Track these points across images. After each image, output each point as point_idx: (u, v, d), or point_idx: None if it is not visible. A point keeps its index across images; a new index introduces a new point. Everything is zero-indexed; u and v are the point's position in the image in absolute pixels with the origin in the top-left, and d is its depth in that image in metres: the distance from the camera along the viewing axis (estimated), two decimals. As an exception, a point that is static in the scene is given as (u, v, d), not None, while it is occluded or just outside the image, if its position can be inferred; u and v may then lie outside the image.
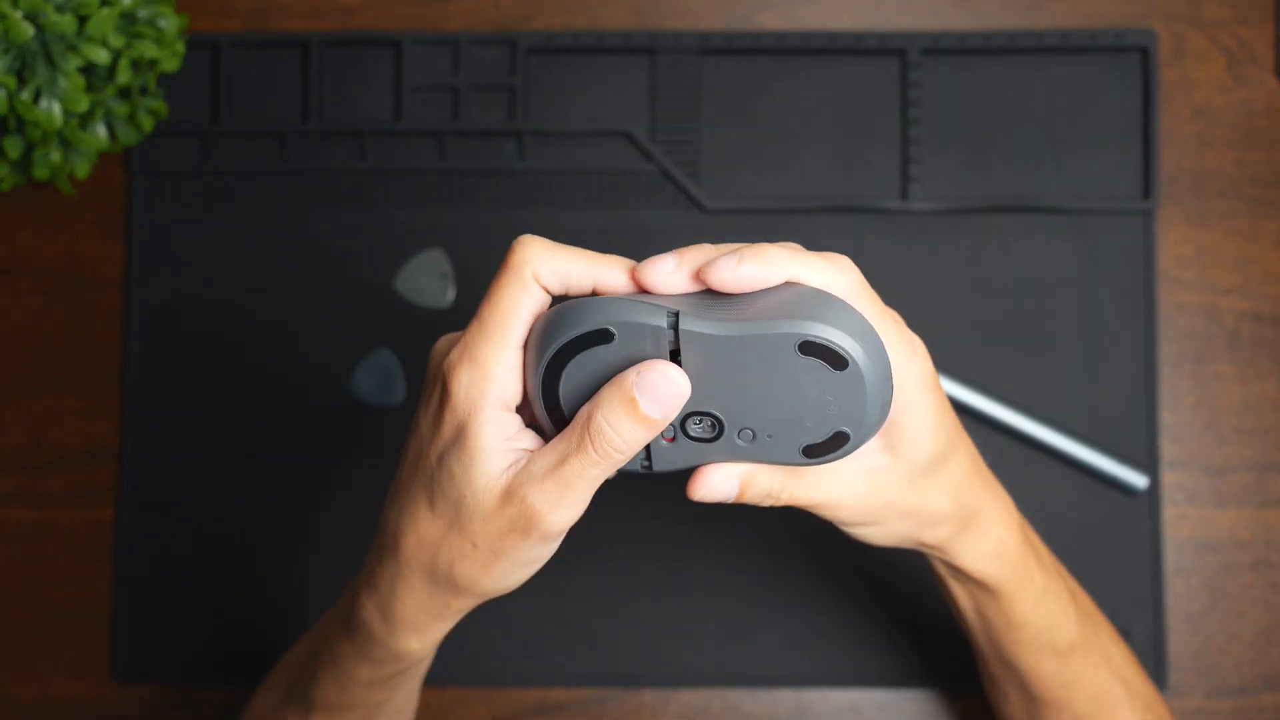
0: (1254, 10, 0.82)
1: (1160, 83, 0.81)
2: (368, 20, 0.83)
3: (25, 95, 0.72)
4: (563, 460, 0.47)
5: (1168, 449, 0.80)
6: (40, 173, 0.76)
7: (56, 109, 0.73)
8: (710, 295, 0.48)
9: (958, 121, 0.81)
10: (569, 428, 0.48)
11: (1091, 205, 0.80)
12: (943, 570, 0.60)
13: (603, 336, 0.47)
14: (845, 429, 0.48)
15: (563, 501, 0.48)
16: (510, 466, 0.48)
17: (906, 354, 0.50)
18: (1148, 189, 0.80)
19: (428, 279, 0.81)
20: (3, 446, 0.81)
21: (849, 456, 0.51)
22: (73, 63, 0.72)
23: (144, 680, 0.79)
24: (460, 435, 0.48)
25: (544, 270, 0.48)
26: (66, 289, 0.82)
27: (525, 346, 0.48)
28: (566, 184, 0.81)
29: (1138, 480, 0.78)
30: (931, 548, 0.57)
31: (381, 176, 0.81)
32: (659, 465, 0.50)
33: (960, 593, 0.60)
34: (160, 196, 0.82)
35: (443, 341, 0.51)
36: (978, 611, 0.61)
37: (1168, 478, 0.80)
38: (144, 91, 0.78)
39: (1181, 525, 0.79)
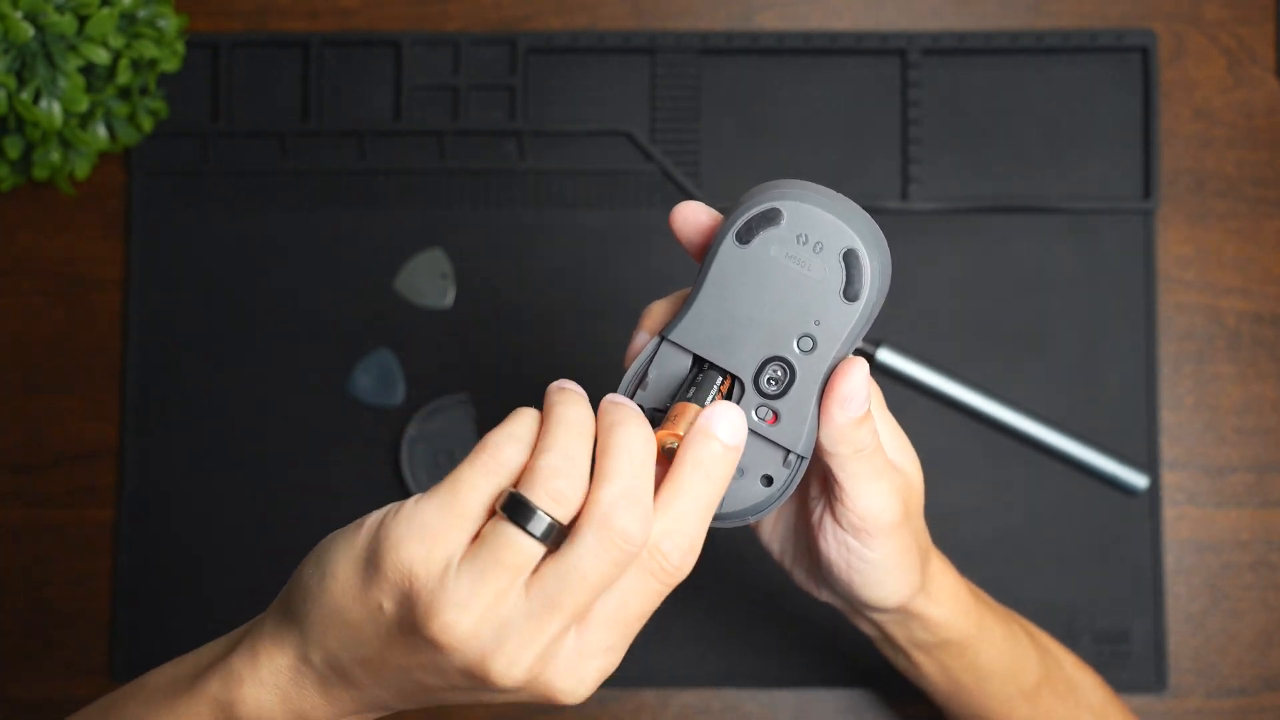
0: (1254, 10, 0.82)
1: (1160, 83, 0.81)
2: (368, 20, 0.83)
3: (25, 95, 0.72)
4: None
5: (1168, 449, 0.80)
6: (40, 173, 0.76)
7: (56, 109, 0.73)
8: None
9: (958, 121, 0.81)
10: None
11: (1091, 205, 0.80)
12: (907, 644, 0.60)
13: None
14: (846, 246, 0.47)
15: None
16: None
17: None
18: (1148, 189, 0.80)
19: (427, 279, 0.81)
20: (3, 446, 0.81)
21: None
22: (73, 63, 0.72)
23: (144, 680, 0.79)
24: None
25: None
26: (66, 289, 0.82)
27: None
28: (566, 184, 0.81)
29: (1138, 480, 0.78)
30: (910, 604, 0.57)
31: (381, 176, 0.81)
32: (804, 449, 0.48)
33: (927, 663, 0.61)
34: (160, 196, 0.82)
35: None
36: (946, 675, 0.61)
37: (1168, 478, 0.80)
38: (144, 91, 0.78)
39: (1181, 525, 0.79)
